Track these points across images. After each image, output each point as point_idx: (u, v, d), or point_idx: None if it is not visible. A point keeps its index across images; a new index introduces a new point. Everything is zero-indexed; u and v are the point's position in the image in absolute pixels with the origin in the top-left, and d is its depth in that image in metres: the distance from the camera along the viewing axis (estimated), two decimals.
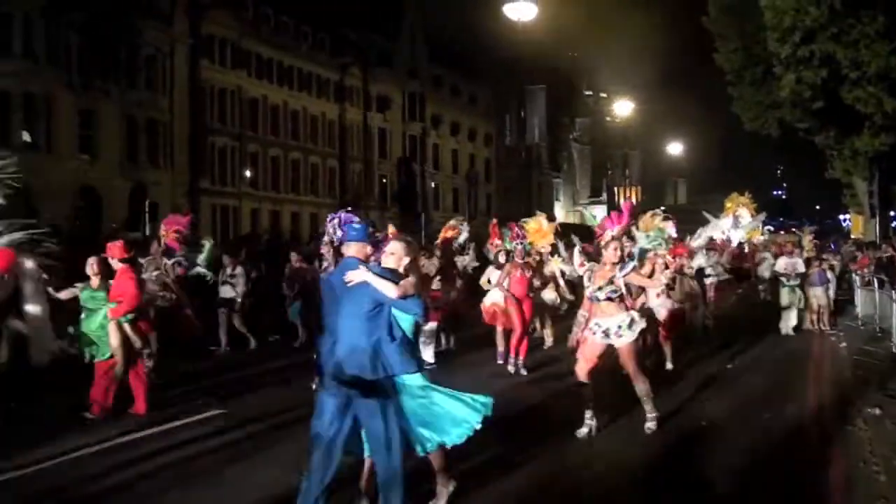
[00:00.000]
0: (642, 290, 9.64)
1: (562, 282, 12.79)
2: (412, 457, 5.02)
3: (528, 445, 6.76)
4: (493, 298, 11.18)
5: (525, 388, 9.59)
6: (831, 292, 15.34)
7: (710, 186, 67.14)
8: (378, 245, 5.61)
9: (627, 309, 7.16)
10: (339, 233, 7.22)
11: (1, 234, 6.86)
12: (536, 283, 11.15)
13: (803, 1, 18.48)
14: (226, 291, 12.62)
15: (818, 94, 20.70)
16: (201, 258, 11.75)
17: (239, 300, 12.71)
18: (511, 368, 10.43)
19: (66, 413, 7.91)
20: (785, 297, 14.39)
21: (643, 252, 8.52)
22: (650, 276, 9.79)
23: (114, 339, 7.87)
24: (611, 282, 7.01)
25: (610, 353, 7.20)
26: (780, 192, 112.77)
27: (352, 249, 5.19)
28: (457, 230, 13.53)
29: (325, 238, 8.23)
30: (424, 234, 30.15)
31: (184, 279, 11.12)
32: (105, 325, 7.90)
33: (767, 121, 28.13)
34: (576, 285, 11.63)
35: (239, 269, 12.83)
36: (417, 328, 5.16)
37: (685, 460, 6.63)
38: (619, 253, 7.10)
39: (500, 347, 11.15)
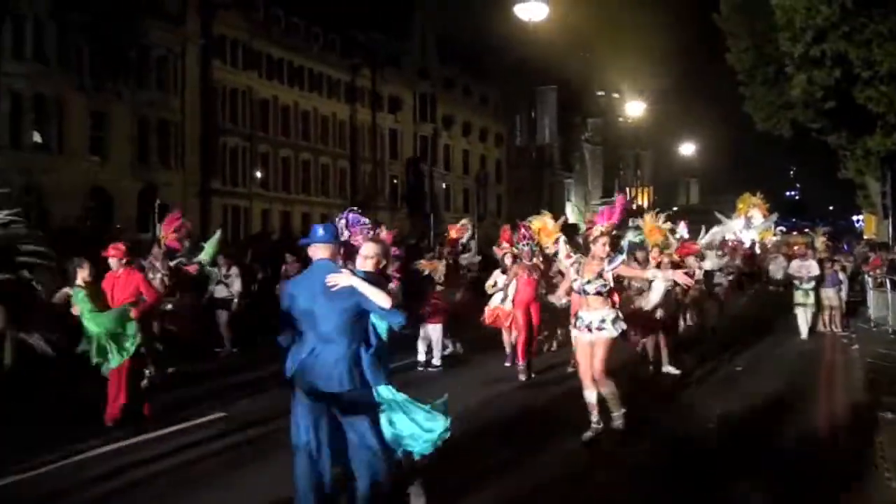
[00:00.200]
0: (641, 292, 9.58)
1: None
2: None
3: (532, 447, 6.71)
4: (499, 301, 10.99)
5: (531, 391, 9.51)
6: (843, 294, 15.20)
7: (723, 187, 66.82)
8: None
9: (613, 306, 7.08)
10: (346, 233, 7.14)
11: None
12: (542, 289, 10.83)
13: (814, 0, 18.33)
14: (220, 291, 12.52)
15: (830, 94, 20.53)
16: (204, 253, 11.69)
17: (235, 300, 12.60)
18: (522, 377, 10.13)
19: (66, 415, 7.88)
20: (799, 300, 14.14)
21: (632, 246, 8.45)
22: None
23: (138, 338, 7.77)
24: (599, 275, 6.95)
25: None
26: (793, 193, 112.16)
27: (320, 251, 4.93)
28: (464, 229, 13.49)
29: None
30: (434, 234, 30.05)
31: (189, 278, 11.11)
32: (114, 330, 7.77)
33: (780, 121, 27.89)
34: None
35: (234, 270, 12.69)
36: (390, 335, 4.97)
37: (693, 462, 6.53)
38: (607, 248, 7.05)
39: (508, 349, 11.06)
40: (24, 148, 31.23)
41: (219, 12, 40.20)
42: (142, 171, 35.98)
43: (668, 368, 10.34)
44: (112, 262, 7.94)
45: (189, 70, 38.74)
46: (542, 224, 11.70)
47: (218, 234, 12.47)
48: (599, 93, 79.83)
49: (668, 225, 11.42)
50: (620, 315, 7.05)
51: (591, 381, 7.01)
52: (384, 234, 9.24)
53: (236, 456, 6.74)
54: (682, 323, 12.10)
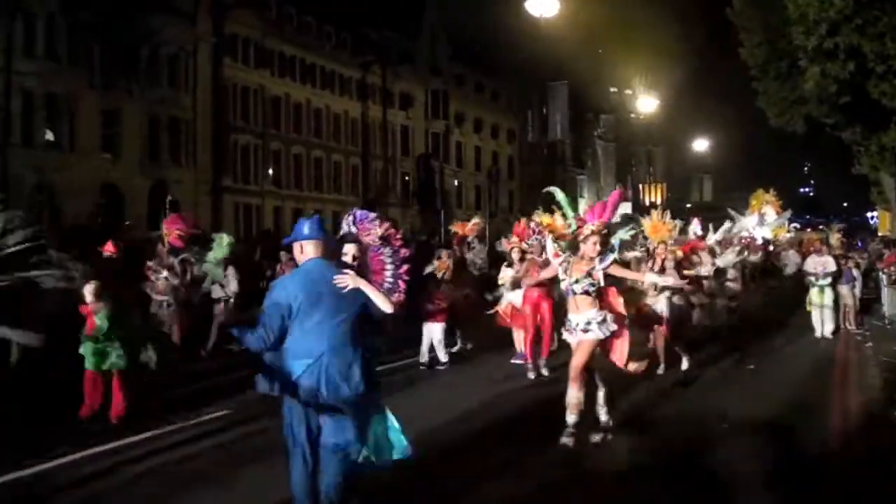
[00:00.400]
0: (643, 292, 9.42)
1: None
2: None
3: (533, 446, 6.64)
4: (510, 298, 10.83)
5: (536, 390, 9.38)
6: (857, 291, 15.02)
7: (736, 183, 66.36)
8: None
9: (601, 307, 6.85)
10: (353, 230, 7.06)
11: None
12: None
13: None
14: (216, 291, 12.40)
15: (844, 88, 20.33)
16: (211, 255, 11.62)
17: (231, 300, 12.43)
18: (531, 375, 9.97)
19: (65, 415, 7.84)
20: (815, 298, 13.66)
21: (623, 244, 8.27)
22: (661, 271, 9.59)
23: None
24: (589, 275, 6.76)
25: (607, 352, 6.97)
26: (807, 189, 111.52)
27: (310, 248, 4.74)
28: (476, 227, 13.40)
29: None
30: (444, 231, 29.98)
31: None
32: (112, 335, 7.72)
33: (793, 116, 27.64)
34: None
35: (230, 270, 12.46)
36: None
37: (698, 463, 6.40)
38: (598, 248, 6.79)
39: (518, 348, 10.91)
40: (36, 146, 31.40)
41: (231, 11, 40.33)
42: (153, 169, 36.12)
43: (684, 364, 10.20)
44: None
45: (201, 68, 38.86)
46: (549, 219, 11.52)
47: (225, 239, 12.33)
48: (612, 89, 79.63)
49: (673, 222, 11.22)
50: (609, 318, 6.81)
51: (599, 380, 6.91)
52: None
53: (236, 455, 6.69)
54: (693, 318, 11.92)
